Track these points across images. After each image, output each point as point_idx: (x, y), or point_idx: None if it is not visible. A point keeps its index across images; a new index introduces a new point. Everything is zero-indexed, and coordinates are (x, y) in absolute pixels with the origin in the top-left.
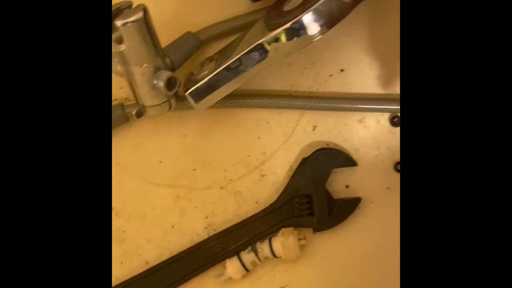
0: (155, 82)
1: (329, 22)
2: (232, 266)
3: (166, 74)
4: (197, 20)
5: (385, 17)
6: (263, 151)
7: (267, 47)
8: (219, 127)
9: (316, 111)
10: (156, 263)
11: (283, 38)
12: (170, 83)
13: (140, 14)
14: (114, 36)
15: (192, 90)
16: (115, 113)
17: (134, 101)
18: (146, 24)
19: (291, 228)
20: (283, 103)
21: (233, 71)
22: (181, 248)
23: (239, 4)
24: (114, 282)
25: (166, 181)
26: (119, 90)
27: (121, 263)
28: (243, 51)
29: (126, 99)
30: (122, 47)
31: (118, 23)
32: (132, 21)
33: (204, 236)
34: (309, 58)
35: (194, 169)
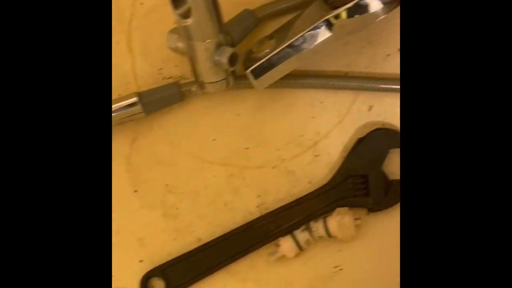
0: (217, 58)
1: (395, 0)
2: (286, 244)
3: (229, 50)
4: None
5: None
6: (317, 131)
7: (333, 23)
8: (273, 106)
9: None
10: (209, 240)
11: (347, 15)
12: (232, 59)
13: None
14: (180, 10)
15: (254, 68)
16: (170, 91)
17: (189, 80)
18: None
19: (346, 208)
20: (339, 84)
21: (296, 48)
22: (234, 226)
23: None
24: (167, 257)
25: (219, 159)
26: (174, 68)
27: (174, 239)
28: (306, 28)
29: (181, 77)
30: (189, 21)
31: None
32: None
33: (256, 214)
34: (366, 38)
35: (247, 148)
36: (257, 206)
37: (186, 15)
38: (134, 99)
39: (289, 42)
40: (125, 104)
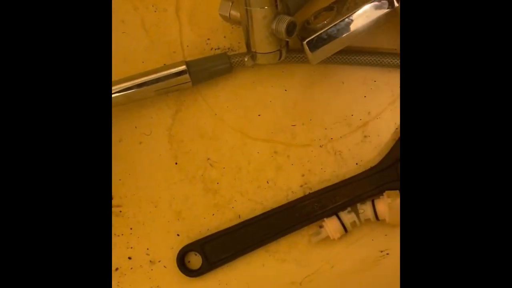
0: (274, 26)
1: None
2: (331, 225)
3: (287, 18)
4: None
5: None
6: (368, 111)
7: None
8: (323, 83)
9: None
10: (249, 217)
11: None
12: (290, 29)
13: None
14: None
15: (311, 39)
16: (218, 62)
17: (236, 51)
18: None
19: (397, 191)
20: (393, 62)
21: (355, 22)
22: (275, 205)
23: None
24: (205, 232)
25: (263, 136)
26: (222, 39)
27: (213, 214)
28: (366, 2)
29: (228, 49)
30: None
31: None
32: None
33: (299, 194)
34: None
35: (294, 125)
36: (301, 186)
37: None
38: (182, 67)
39: (348, 15)
40: (173, 72)
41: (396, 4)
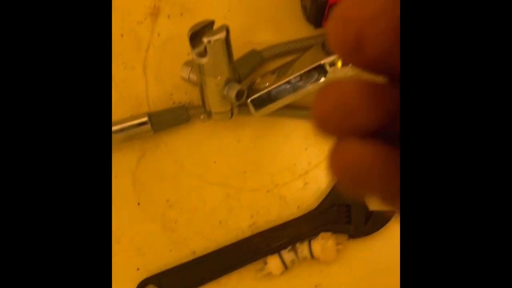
0: (226, 92)
1: None
2: (273, 262)
3: (237, 86)
4: (260, 39)
5: None
6: (308, 161)
7: (327, 68)
8: (271, 135)
9: None
10: (203, 253)
11: (342, 63)
12: (239, 95)
13: (223, 34)
14: (197, 50)
15: (254, 98)
16: (177, 114)
17: (196, 105)
18: (226, 42)
19: (330, 233)
20: None
21: (293, 85)
22: (227, 243)
23: (300, 28)
24: (163, 267)
25: (218, 180)
26: (184, 94)
27: (171, 250)
28: (304, 69)
29: (189, 103)
30: (204, 60)
31: (205, 39)
32: (217, 39)
33: (248, 233)
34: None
35: (245, 172)
36: (249, 226)
37: (202, 54)
38: (144, 119)
39: (287, 79)
40: (136, 123)
41: (324, 77)
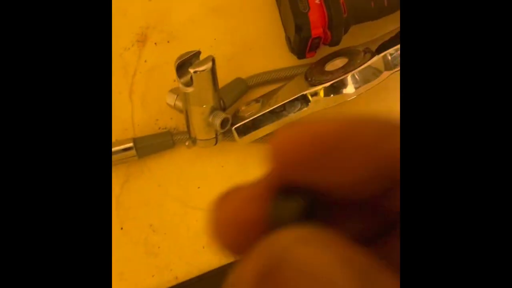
0: (211, 120)
1: (364, 85)
2: None
3: (222, 115)
4: (245, 68)
5: None
6: None
7: (310, 98)
8: (254, 161)
9: None
10: (185, 279)
11: (323, 93)
12: (224, 123)
13: (209, 64)
14: (183, 80)
15: (238, 126)
16: (162, 139)
17: (181, 130)
18: (212, 73)
19: None
20: None
21: (277, 114)
22: (209, 268)
23: (284, 57)
24: None
25: (202, 206)
26: (169, 120)
27: (153, 276)
28: (287, 98)
29: (174, 128)
30: (190, 89)
31: (191, 70)
32: (202, 70)
33: (232, 258)
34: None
35: None
36: None
37: (188, 84)
38: (129, 144)
39: (271, 108)
40: (121, 148)
41: (306, 107)
